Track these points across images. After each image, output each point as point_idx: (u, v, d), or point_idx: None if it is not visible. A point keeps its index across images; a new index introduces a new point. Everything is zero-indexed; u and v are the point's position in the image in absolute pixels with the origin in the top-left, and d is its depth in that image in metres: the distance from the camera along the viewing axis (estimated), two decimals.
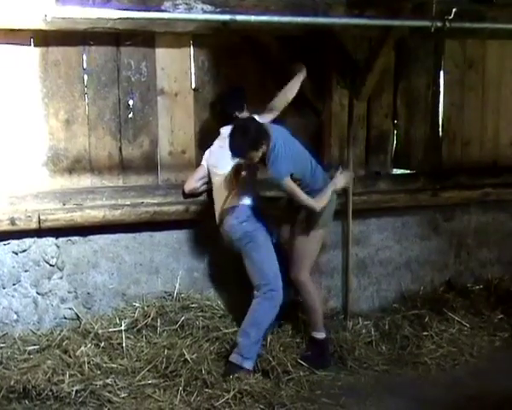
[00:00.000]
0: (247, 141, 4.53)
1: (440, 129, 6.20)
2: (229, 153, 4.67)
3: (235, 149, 4.59)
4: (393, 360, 5.07)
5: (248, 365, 4.66)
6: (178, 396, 4.37)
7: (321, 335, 4.92)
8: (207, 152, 5.19)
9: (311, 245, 4.88)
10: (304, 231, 4.86)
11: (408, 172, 6.19)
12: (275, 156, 4.57)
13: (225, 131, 4.92)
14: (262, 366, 4.75)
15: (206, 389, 4.41)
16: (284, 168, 4.60)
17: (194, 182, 5.21)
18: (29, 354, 4.72)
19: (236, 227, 4.87)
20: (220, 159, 4.98)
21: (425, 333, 5.35)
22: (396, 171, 6.17)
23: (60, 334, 4.89)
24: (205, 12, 4.89)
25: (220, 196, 4.99)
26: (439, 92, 6.12)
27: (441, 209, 6.15)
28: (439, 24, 4.95)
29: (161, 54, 5.22)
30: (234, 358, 4.68)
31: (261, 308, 4.79)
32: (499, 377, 4.84)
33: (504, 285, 6.23)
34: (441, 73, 6.08)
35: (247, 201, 4.93)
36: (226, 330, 5.06)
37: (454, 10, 4.95)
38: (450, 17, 4.97)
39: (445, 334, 5.37)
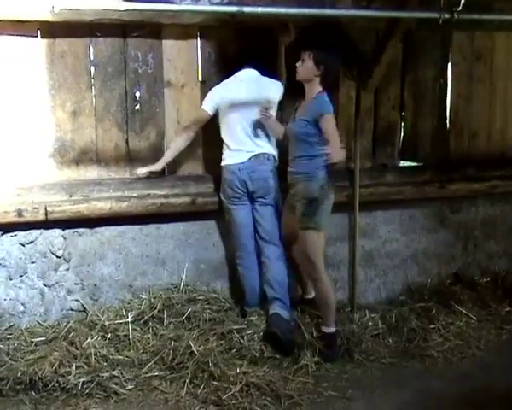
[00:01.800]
0: (327, 48, 4.82)
1: (448, 121, 6.18)
2: (256, 87, 5.07)
3: (317, 38, 4.85)
4: (400, 352, 5.05)
5: (290, 317, 5.02)
6: (185, 388, 4.36)
7: (330, 329, 4.91)
8: (218, 90, 5.15)
9: (311, 247, 4.83)
10: (309, 234, 4.82)
11: (415, 164, 6.17)
12: (327, 97, 4.81)
13: (241, 74, 5.15)
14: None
15: (213, 382, 4.39)
16: (332, 109, 4.74)
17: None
18: (36, 345, 4.73)
19: (271, 173, 5.10)
20: (245, 91, 5.09)
21: (432, 326, 5.33)
22: (403, 163, 6.14)
23: (66, 326, 4.89)
24: (212, 3, 4.90)
25: (249, 132, 5.09)
26: (447, 84, 6.09)
27: (448, 201, 6.13)
28: (447, 16, 4.92)
29: (168, 45, 5.20)
30: (281, 312, 4.95)
31: (284, 262, 5.16)
32: (506, 370, 4.83)
33: (511, 278, 6.21)
34: (449, 65, 6.05)
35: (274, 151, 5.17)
36: (233, 323, 5.05)
37: (462, 2, 4.92)
38: (459, 9, 4.95)
39: (451, 327, 5.35)
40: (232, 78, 5.16)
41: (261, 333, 4.96)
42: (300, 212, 4.82)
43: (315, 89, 4.86)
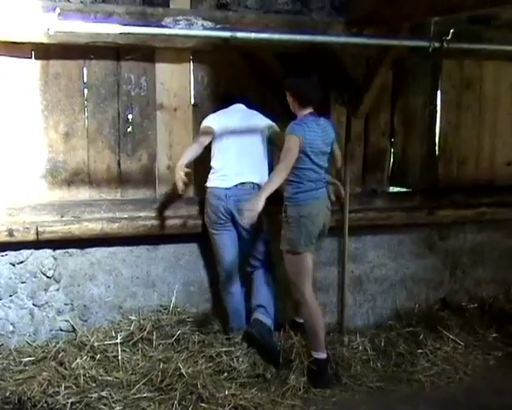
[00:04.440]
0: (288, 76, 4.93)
1: (437, 148, 6.24)
2: (247, 116, 5.19)
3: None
4: (388, 377, 5.07)
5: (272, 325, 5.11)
6: None
7: (320, 355, 4.87)
8: (214, 115, 5.21)
9: (293, 270, 4.85)
10: (287, 256, 4.85)
11: (404, 190, 6.23)
12: (299, 121, 4.79)
13: (232, 107, 5.24)
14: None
15: (202, 404, 4.38)
16: (298, 130, 4.70)
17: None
18: (25, 365, 4.74)
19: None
20: (238, 119, 5.18)
21: (419, 351, 5.35)
22: (392, 189, 6.20)
23: (55, 346, 4.90)
24: (205, 28, 4.96)
25: (239, 159, 5.11)
26: (436, 111, 6.16)
27: (437, 227, 6.18)
28: (436, 44, 5.01)
29: (161, 69, 5.25)
30: (262, 317, 5.02)
31: (271, 282, 5.21)
32: (493, 395, 4.84)
33: (499, 304, 6.25)
34: (438, 92, 6.13)
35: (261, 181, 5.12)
36: (221, 345, 5.05)
37: (452, 31, 5.01)
38: (448, 38, 5.03)
39: (439, 352, 5.37)
40: (224, 110, 5.24)
41: (249, 355, 4.96)
42: (281, 236, 4.85)
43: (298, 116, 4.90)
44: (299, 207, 4.78)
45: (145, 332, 5.03)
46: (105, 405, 4.37)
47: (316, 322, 4.88)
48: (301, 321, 5.27)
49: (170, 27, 4.89)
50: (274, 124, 5.22)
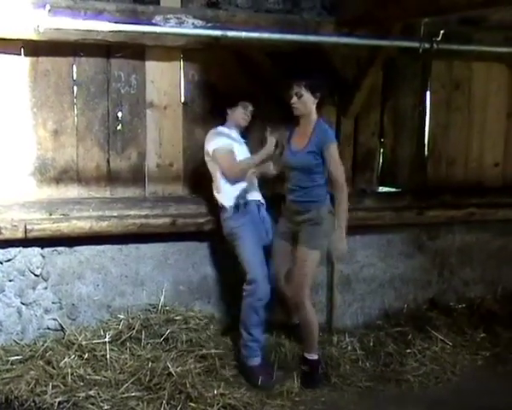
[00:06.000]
0: (317, 74, 4.79)
1: (426, 148, 6.26)
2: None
3: (304, 69, 4.73)
4: (377, 376, 5.08)
5: (251, 362, 4.89)
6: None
7: (313, 356, 4.88)
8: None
9: (310, 267, 4.83)
10: (304, 253, 4.82)
11: (393, 190, 6.24)
12: (325, 124, 4.80)
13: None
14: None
15: (190, 403, 4.37)
16: (334, 134, 4.71)
17: None
18: (12, 364, 4.69)
19: (224, 222, 5.08)
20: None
21: (408, 351, 5.35)
22: (382, 189, 6.21)
23: (43, 345, 4.86)
24: (196, 27, 4.96)
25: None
26: (426, 112, 6.18)
27: (426, 228, 6.19)
28: (426, 45, 5.03)
29: (151, 67, 5.23)
30: (248, 361, 4.91)
31: (244, 308, 4.93)
32: (481, 395, 4.86)
33: (487, 304, 6.27)
34: (428, 93, 6.14)
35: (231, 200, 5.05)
36: (210, 345, 5.05)
37: (442, 32, 5.04)
38: (438, 39, 5.06)
39: (427, 352, 5.37)
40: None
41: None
42: (309, 235, 4.80)
43: (313, 117, 4.82)
44: (328, 206, 4.83)
45: (134, 331, 5.00)
46: (93, 404, 4.35)
47: (312, 324, 4.88)
48: (297, 322, 5.25)
49: (160, 25, 4.88)
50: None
